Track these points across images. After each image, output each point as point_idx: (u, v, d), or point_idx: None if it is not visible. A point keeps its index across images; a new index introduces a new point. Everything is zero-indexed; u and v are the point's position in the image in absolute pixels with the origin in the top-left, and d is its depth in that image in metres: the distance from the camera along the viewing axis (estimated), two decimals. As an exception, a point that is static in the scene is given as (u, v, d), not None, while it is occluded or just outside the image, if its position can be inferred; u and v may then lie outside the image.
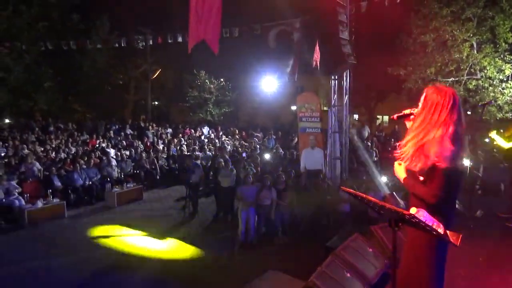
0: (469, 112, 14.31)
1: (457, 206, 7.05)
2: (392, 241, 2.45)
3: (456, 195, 2.65)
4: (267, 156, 11.81)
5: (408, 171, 2.69)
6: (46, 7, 18.13)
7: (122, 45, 15.18)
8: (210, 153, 13.27)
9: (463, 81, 13.15)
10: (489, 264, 5.05)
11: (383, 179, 8.40)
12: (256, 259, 6.69)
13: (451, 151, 2.42)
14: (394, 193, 7.63)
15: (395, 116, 2.92)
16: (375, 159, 11.45)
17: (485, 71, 12.62)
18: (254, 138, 15.83)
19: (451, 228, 2.56)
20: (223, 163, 9.48)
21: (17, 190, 9.18)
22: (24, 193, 9.31)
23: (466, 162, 8.72)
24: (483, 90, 12.80)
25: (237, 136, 17.43)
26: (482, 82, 12.78)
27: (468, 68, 13.00)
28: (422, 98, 2.71)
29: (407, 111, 2.83)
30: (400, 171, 2.72)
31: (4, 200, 8.83)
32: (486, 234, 6.23)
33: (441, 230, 2.22)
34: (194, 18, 7.38)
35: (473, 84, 12.96)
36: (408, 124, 2.86)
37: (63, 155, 12.43)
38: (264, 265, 5.67)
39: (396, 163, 2.77)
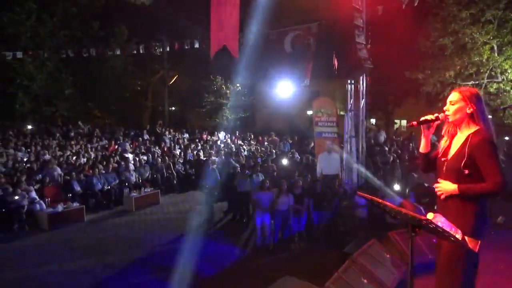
0: (490, 116, 13.99)
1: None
2: (410, 248, 2.42)
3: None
4: (284, 161, 11.78)
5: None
6: (68, 16, 18.65)
7: (140, 51, 15.46)
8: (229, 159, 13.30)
9: (484, 85, 12.86)
10: (509, 271, 4.92)
11: (396, 186, 8.31)
12: (272, 264, 6.68)
13: (493, 143, 2.53)
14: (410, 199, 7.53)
15: (414, 122, 2.79)
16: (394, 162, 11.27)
17: (506, 74, 12.32)
18: (266, 143, 15.84)
19: (482, 227, 2.58)
20: (239, 168, 9.51)
21: (33, 195, 9.38)
22: (45, 197, 9.55)
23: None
24: (504, 93, 12.49)
25: (252, 142, 17.47)
26: (503, 85, 12.47)
27: (488, 71, 12.71)
28: (457, 98, 2.70)
29: (430, 117, 2.75)
30: (447, 186, 2.67)
31: (26, 204, 9.06)
32: (508, 241, 6.07)
33: (459, 236, 2.18)
34: (215, 26, 7.56)
35: (494, 87, 12.66)
36: (426, 131, 2.80)
37: (82, 160, 12.71)
38: (280, 270, 5.65)
39: (440, 185, 2.73)
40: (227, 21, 7.51)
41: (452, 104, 2.70)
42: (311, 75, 11.36)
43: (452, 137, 2.77)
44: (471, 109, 2.63)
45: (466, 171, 2.57)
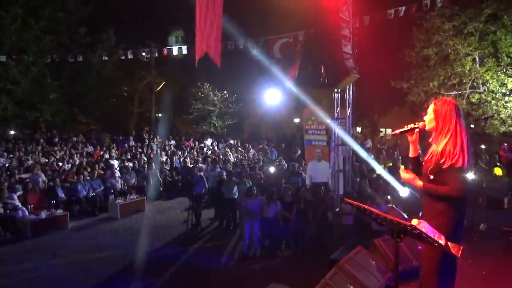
0: (472, 126, 14.33)
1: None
2: (394, 253, 2.48)
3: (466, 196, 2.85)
4: (271, 169, 11.80)
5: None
6: (54, 21, 18.43)
7: (128, 57, 15.37)
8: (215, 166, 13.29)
9: (466, 95, 13.20)
10: (491, 277, 5.02)
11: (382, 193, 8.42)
12: (259, 272, 6.66)
13: (462, 153, 2.71)
14: (394, 205, 7.64)
15: (397, 131, 3.04)
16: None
17: (488, 85, 12.68)
18: (252, 150, 15.92)
19: (460, 233, 2.79)
20: (225, 175, 9.50)
21: (15, 203, 9.20)
22: (28, 204, 9.36)
23: (470, 175, 8.74)
24: (486, 103, 12.83)
25: (240, 149, 17.49)
26: (484, 95, 12.82)
27: (470, 82, 13.06)
28: (431, 110, 2.93)
29: (410, 126, 2.97)
30: (412, 180, 2.94)
31: (8, 211, 8.87)
32: (490, 248, 6.20)
33: (442, 241, 2.24)
34: (198, 32, 7.57)
35: (476, 97, 13.00)
36: (410, 138, 2.97)
37: (67, 166, 12.51)
38: (267, 277, 5.66)
39: (402, 173, 2.99)
40: (209, 28, 7.55)
41: (428, 115, 2.96)
42: (296, 79, 11.51)
43: (435, 143, 2.95)
44: (440, 123, 2.85)
45: (431, 177, 2.82)
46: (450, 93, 13.20)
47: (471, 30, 12.56)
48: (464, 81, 13.07)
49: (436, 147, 2.86)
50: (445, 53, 13.01)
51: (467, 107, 13.09)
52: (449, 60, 13.00)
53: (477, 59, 12.88)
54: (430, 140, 2.96)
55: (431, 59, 13.20)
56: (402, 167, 3.06)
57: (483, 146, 12.95)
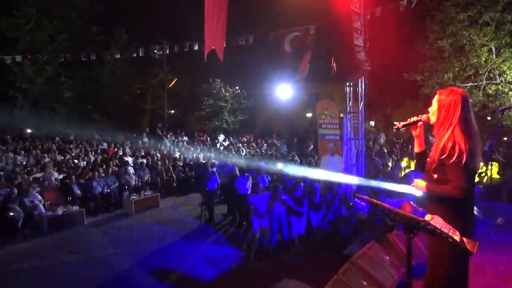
0: (489, 118, 14.02)
1: (476, 213, 6.91)
2: (407, 249, 2.44)
3: (473, 193, 2.69)
4: (280, 164, 11.77)
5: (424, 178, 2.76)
6: (67, 20, 18.68)
7: (140, 54, 15.49)
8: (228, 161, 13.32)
9: (482, 86, 12.90)
10: (509, 272, 4.92)
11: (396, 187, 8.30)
12: (272, 267, 6.66)
13: (466, 149, 2.49)
14: (411, 201, 7.53)
15: (400, 125, 2.90)
16: (393, 165, 11.29)
17: (505, 76, 12.35)
18: (265, 145, 15.84)
19: (469, 232, 2.59)
20: (238, 171, 9.52)
21: (38, 200, 9.39)
22: (45, 200, 9.54)
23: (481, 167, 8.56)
24: (503, 95, 12.52)
25: (253, 144, 17.50)
26: (501, 87, 12.50)
27: (487, 73, 12.75)
28: (436, 100, 2.73)
29: (413, 119, 2.83)
30: (420, 183, 2.77)
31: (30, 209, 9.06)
32: (507, 242, 6.07)
33: (457, 237, 2.19)
34: (207, 28, 7.61)
35: (493, 89, 12.69)
36: (414, 132, 2.85)
37: (82, 163, 12.70)
38: (279, 273, 5.64)
39: (416, 183, 2.83)
40: (216, 24, 7.58)
41: (432, 106, 2.77)
42: (307, 73, 11.40)
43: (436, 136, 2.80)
44: (442, 114, 2.66)
45: (435, 175, 2.65)
46: (466, 84, 12.93)
47: (487, 19, 12.23)
48: (480, 72, 12.76)
49: (437, 142, 2.66)
50: (460, 44, 12.71)
51: (483, 98, 12.80)
52: (464, 51, 12.70)
53: (494, 50, 12.55)
54: (433, 133, 2.78)
55: (446, 50, 12.92)
56: (415, 180, 2.86)
57: (505, 139, 12.64)
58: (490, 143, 7.42)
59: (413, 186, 2.83)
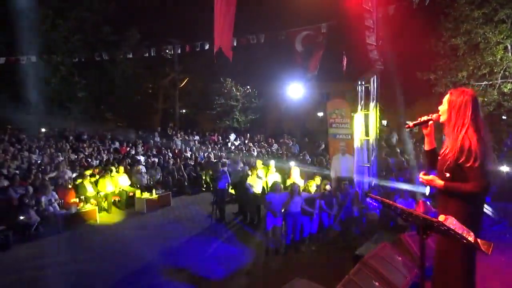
0: (504, 117, 13.78)
1: (491, 214, 6.81)
2: (420, 250, 2.41)
3: (487, 193, 2.75)
4: (292, 163, 11.74)
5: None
6: (81, 21, 18.93)
7: (152, 54, 15.59)
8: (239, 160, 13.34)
9: (497, 85, 12.68)
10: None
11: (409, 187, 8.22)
12: (284, 266, 6.66)
13: (483, 149, 2.56)
14: (425, 200, 7.44)
15: (410, 124, 2.93)
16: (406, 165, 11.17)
17: (521, 74, 12.15)
18: (276, 145, 15.80)
19: (479, 232, 2.61)
20: (249, 170, 9.53)
21: (54, 198, 9.54)
22: (59, 199, 9.69)
23: (504, 168, 8.42)
24: (519, 93, 12.31)
25: (263, 143, 17.49)
26: (517, 85, 12.29)
27: (502, 71, 12.53)
28: (446, 100, 2.78)
29: (423, 118, 2.87)
30: (432, 181, 2.78)
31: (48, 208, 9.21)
32: (524, 244, 5.95)
33: (471, 238, 2.15)
34: (216, 27, 7.67)
35: (508, 87, 12.47)
36: (425, 131, 2.86)
37: (95, 162, 12.86)
38: (291, 272, 5.64)
39: (422, 178, 2.85)
40: (223, 24, 7.63)
41: (443, 105, 2.81)
42: (319, 72, 11.32)
43: (448, 137, 2.81)
44: (453, 115, 2.70)
45: (447, 174, 2.69)
46: (480, 83, 12.73)
47: (503, 17, 12.01)
48: (495, 70, 12.54)
49: (452, 142, 2.70)
50: (475, 42, 12.51)
51: (498, 97, 12.58)
52: (479, 49, 12.49)
53: (509, 47, 12.33)
54: (444, 132, 2.81)
55: (460, 48, 12.73)
56: (421, 173, 2.88)
57: None
58: (507, 142, 7.27)
59: (423, 179, 2.83)
